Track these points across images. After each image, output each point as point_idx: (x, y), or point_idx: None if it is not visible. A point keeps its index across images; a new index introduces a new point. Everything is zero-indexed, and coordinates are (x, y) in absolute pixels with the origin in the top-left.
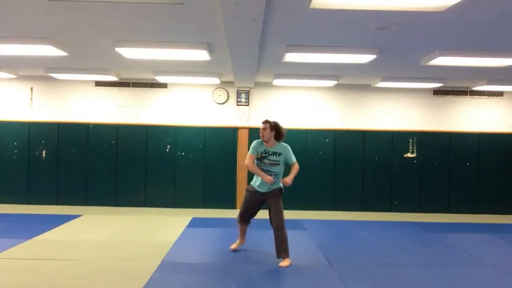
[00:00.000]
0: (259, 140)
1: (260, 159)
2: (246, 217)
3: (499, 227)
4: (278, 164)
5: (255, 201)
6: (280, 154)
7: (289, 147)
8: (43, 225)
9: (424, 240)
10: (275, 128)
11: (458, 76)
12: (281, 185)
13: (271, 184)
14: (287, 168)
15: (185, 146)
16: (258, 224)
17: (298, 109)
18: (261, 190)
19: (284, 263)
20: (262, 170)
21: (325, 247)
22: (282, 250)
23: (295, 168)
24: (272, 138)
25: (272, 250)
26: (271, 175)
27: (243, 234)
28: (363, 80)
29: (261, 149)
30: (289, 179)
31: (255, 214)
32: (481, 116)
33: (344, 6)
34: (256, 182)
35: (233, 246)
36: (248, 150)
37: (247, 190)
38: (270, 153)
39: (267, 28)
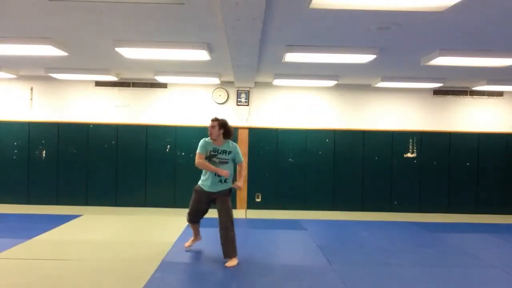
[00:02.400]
0: (207, 138)
1: (209, 157)
2: (195, 217)
3: (499, 227)
4: (227, 163)
5: (204, 201)
6: (229, 152)
7: (238, 147)
8: (43, 225)
9: (424, 240)
10: (223, 126)
11: (458, 76)
12: (230, 185)
13: (226, 178)
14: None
15: (185, 146)
16: (257, 224)
17: (298, 109)
18: (211, 190)
19: (230, 263)
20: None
21: (325, 247)
22: (229, 251)
23: (244, 169)
24: (221, 137)
25: (272, 250)
26: (220, 175)
27: (196, 232)
28: (363, 80)
29: (210, 148)
30: (241, 184)
31: (204, 214)
32: (481, 116)
33: (344, 6)
34: (205, 182)
35: (187, 243)
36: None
37: (195, 190)
38: (219, 151)
39: (267, 28)
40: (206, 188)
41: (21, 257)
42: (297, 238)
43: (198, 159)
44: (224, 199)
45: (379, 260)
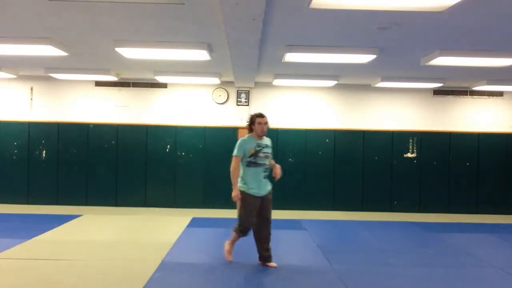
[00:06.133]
0: (247, 136)
1: (255, 154)
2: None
3: (499, 227)
4: (269, 157)
5: (256, 208)
6: (269, 146)
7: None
8: (43, 225)
9: (424, 240)
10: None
11: (458, 76)
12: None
13: (269, 174)
14: None
15: (185, 146)
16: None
17: (298, 109)
18: (262, 194)
19: (274, 264)
20: (259, 164)
21: (325, 247)
22: (271, 254)
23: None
24: None
25: (272, 250)
26: (265, 171)
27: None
28: (363, 80)
29: (253, 145)
30: (279, 169)
31: None
32: (481, 116)
33: (344, 6)
34: (252, 185)
35: (230, 257)
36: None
37: (244, 198)
38: (263, 145)
39: (267, 28)
40: (255, 194)
41: (21, 257)
42: (297, 238)
43: (234, 164)
44: (269, 204)
45: (379, 260)
